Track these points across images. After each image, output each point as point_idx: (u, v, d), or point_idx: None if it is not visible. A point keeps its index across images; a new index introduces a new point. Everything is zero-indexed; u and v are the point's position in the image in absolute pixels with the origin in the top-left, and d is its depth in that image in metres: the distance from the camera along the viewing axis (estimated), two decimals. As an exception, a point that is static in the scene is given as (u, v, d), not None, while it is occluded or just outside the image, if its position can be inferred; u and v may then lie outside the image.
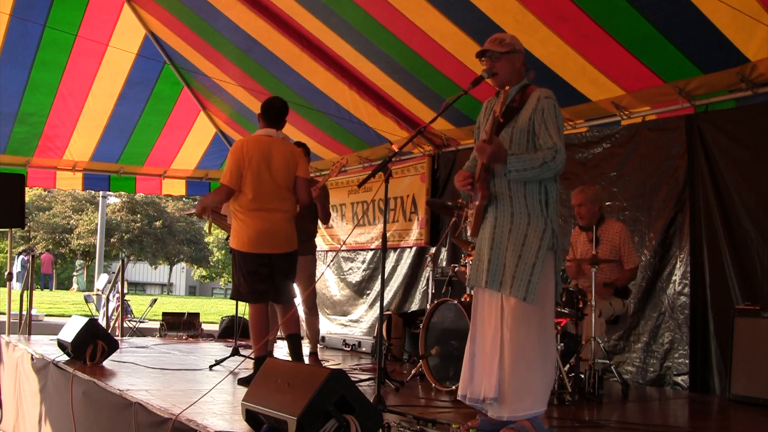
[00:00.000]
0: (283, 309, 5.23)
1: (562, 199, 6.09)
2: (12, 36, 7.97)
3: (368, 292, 9.14)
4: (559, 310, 4.98)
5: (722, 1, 4.55)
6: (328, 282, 9.80)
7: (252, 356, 5.26)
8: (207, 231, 8.38)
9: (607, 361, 5.18)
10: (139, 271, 45.29)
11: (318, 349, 6.85)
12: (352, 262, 9.49)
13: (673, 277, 5.79)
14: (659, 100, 5.87)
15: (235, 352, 6.27)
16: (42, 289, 25.97)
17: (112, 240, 34.97)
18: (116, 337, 7.39)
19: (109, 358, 5.68)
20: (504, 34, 3.74)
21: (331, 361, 7.00)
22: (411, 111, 7.56)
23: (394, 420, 3.66)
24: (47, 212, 35.70)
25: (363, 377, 5.49)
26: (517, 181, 3.50)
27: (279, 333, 6.90)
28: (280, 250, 5.04)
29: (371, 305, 9.01)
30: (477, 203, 3.60)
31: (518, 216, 3.51)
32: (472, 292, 4.38)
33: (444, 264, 7.64)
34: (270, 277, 5.04)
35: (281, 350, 7.36)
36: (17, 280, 11.05)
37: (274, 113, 5.20)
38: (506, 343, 3.43)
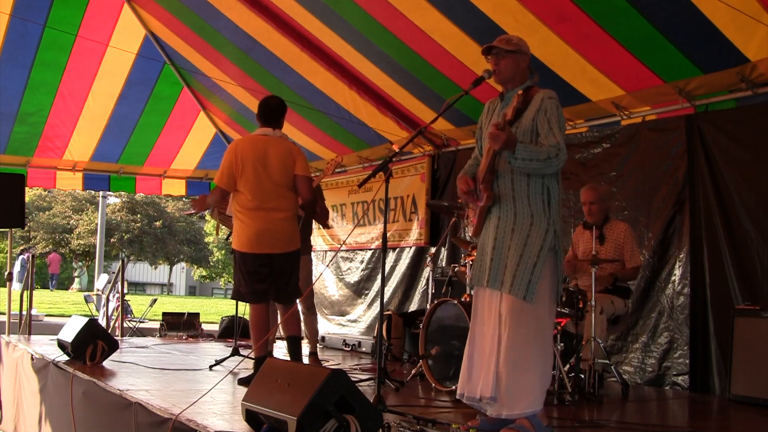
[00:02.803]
0: (284, 309, 5.23)
1: (562, 200, 6.09)
2: (12, 36, 7.97)
3: (366, 292, 9.14)
4: (559, 310, 4.98)
5: (722, 1, 4.55)
6: (327, 282, 9.80)
7: (252, 356, 5.26)
8: (216, 233, 8.42)
9: (607, 361, 5.18)
10: (139, 271, 45.26)
11: (318, 349, 6.85)
12: (350, 262, 9.49)
13: (672, 277, 5.79)
14: (659, 100, 5.86)
15: (235, 352, 6.27)
16: (42, 289, 25.97)
17: (112, 240, 34.95)
18: (116, 337, 7.39)
19: (109, 358, 5.68)
20: (513, 35, 3.76)
21: (331, 361, 6.99)
22: (411, 111, 7.56)
23: (394, 420, 3.66)
24: (47, 212, 35.69)
25: (363, 377, 5.49)
26: (521, 182, 3.52)
27: (278, 333, 6.91)
28: (280, 250, 5.03)
29: (369, 305, 9.01)
30: (481, 204, 3.61)
31: (521, 216, 3.52)
32: (472, 292, 4.37)
33: (444, 264, 7.64)
34: (270, 277, 5.04)
35: (281, 350, 7.36)
36: (18, 280, 11.05)
37: (269, 112, 5.18)
38: (504, 343, 3.44)
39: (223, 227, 5.96)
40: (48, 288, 29.47)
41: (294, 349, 5.17)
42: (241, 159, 4.98)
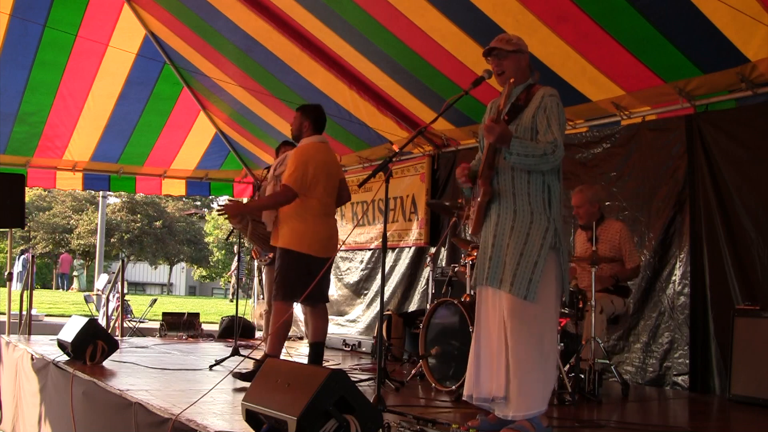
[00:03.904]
0: (312, 311, 5.24)
1: (562, 200, 6.09)
2: (12, 36, 7.98)
3: (366, 292, 9.14)
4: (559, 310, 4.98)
5: (722, 1, 4.55)
6: (327, 282, 9.78)
7: (258, 357, 5.23)
8: (235, 240, 8.12)
9: (607, 361, 5.18)
10: (139, 271, 45.23)
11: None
12: (350, 262, 9.49)
13: (673, 277, 5.79)
14: (659, 100, 5.86)
15: (235, 352, 6.26)
16: (42, 288, 25.97)
17: (112, 240, 34.94)
18: (116, 337, 7.39)
19: (109, 358, 5.68)
20: (510, 34, 3.75)
21: (331, 361, 6.99)
22: (411, 111, 7.56)
23: (394, 420, 3.66)
24: (47, 212, 35.66)
25: (363, 377, 5.49)
26: (521, 179, 3.50)
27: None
28: (333, 254, 5.19)
29: (369, 305, 9.01)
30: (479, 200, 3.60)
31: (521, 214, 3.50)
32: (473, 292, 4.35)
33: (444, 264, 7.64)
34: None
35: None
36: (18, 281, 11.04)
37: (320, 121, 5.44)
38: (508, 343, 3.43)
39: (243, 233, 5.84)
40: (50, 288, 29.50)
41: (317, 355, 5.17)
42: (321, 164, 5.14)
